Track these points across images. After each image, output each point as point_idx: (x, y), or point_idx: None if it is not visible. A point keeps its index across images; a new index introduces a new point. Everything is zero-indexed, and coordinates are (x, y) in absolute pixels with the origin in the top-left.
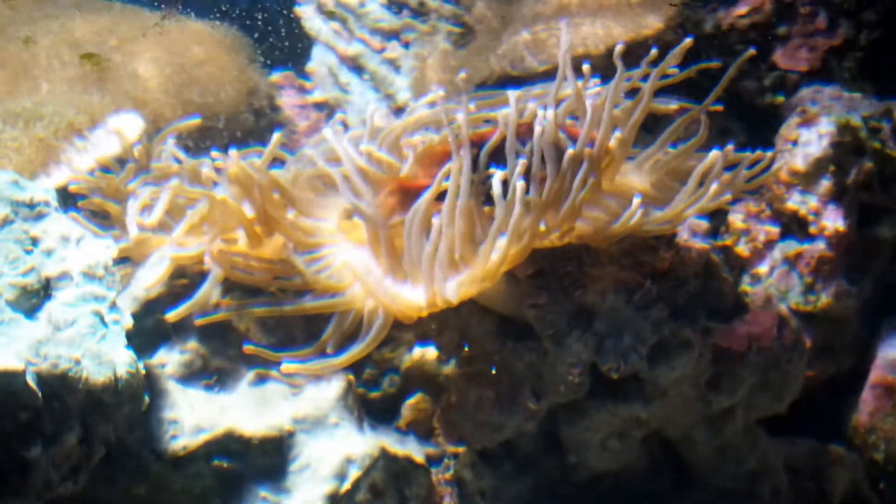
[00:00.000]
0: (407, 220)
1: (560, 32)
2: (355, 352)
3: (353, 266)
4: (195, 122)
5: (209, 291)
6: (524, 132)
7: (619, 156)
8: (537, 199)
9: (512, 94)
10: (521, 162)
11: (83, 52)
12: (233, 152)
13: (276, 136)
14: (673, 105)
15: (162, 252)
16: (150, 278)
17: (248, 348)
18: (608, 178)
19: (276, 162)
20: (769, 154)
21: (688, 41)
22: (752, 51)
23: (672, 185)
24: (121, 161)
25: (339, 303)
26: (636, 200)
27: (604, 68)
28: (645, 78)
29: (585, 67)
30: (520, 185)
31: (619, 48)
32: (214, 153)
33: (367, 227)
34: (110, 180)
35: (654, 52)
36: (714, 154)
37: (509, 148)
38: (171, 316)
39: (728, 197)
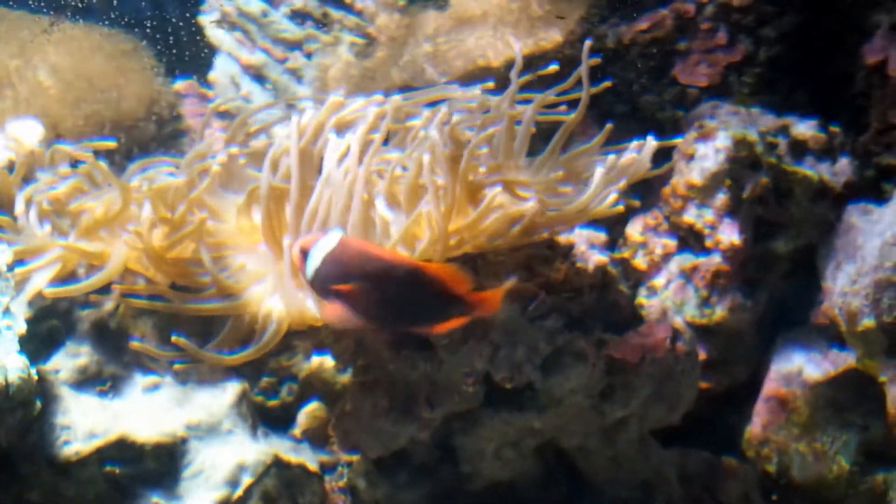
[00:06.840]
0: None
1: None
2: (246, 354)
3: (251, 268)
4: (110, 144)
5: (98, 281)
6: None
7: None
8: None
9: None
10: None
11: None
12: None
13: None
14: (572, 115)
15: (56, 253)
16: (42, 276)
17: (134, 345)
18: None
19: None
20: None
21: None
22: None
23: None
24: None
25: (236, 306)
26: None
27: (504, 80)
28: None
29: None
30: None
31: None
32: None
33: (264, 222)
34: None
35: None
36: (611, 158)
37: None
38: (49, 292)
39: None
